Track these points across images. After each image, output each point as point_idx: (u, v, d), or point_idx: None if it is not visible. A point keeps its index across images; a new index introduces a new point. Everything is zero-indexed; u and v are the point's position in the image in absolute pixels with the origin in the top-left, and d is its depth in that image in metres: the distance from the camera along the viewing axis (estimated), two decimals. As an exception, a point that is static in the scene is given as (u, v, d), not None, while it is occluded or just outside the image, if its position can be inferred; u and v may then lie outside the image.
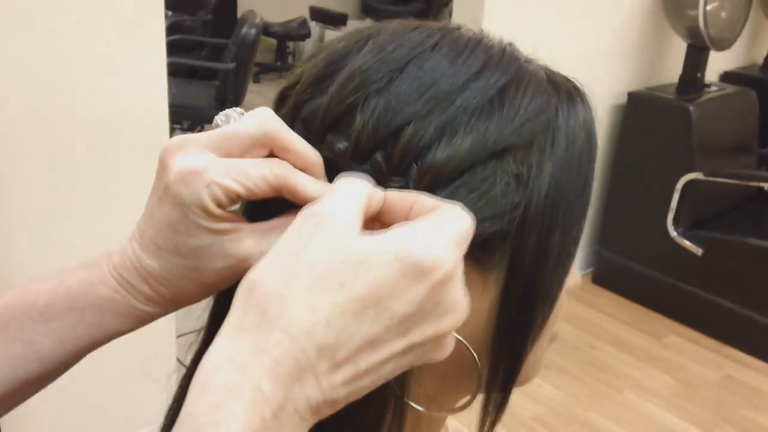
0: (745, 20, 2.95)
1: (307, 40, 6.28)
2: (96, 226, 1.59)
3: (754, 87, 3.11)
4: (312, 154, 0.42)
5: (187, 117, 3.59)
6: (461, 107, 0.41)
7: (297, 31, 6.15)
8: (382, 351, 0.35)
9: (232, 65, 3.44)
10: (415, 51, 0.43)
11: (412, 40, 0.44)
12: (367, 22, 6.57)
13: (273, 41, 6.10)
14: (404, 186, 0.41)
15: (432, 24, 0.47)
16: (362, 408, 0.39)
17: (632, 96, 2.90)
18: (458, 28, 0.47)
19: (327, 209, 0.36)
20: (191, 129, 3.66)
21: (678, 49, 2.97)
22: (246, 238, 0.41)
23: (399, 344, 0.35)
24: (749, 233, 2.78)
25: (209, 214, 0.40)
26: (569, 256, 0.45)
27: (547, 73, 0.47)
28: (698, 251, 2.76)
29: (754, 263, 2.72)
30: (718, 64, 3.22)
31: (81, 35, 1.43)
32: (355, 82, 0.42)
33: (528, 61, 0.46)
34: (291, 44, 6.34)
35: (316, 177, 0.42)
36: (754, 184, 2.75)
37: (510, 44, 0.47)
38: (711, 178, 2.70)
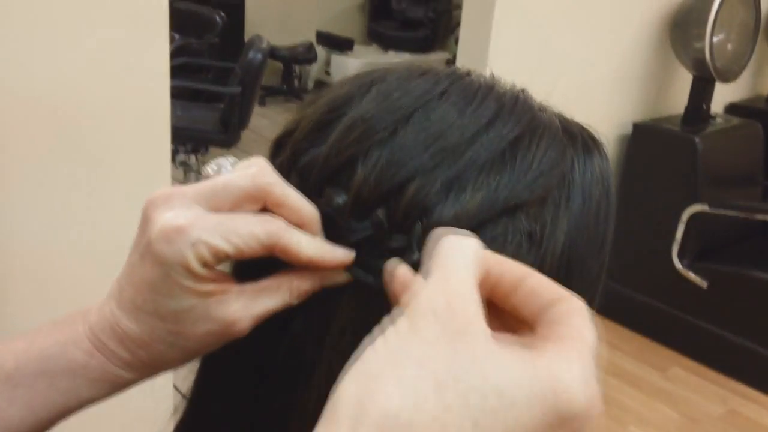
0: (752, 52, 2.95)
1: (314, 64, 6.31)
2: (92, 243, 1.57)
3: (760, 119, 3.09)
4: (308, 210, 0.39)
5: (191, 139, 3.59)
6: (470, 161, 0.39)
7: (303, 56, 6.17)
8: None
9: (237, 89, 3.44)
10: (421, 99, 0.41)
11: (418, 88, 0.41)
12: (373, 48, 6.61)
13: (279, 64, 6.13)
14: (407, 245, 0.38)
15: (440, 70, 0.44)
16: None
17: (637, 127, 2.89)
18: (468, 74, 0.44)
19: (447, 303, 0.30)
20: (195, 152, 3.66)
21: (684, 80, 2.96)
22: (233, 301, 0.39)
23: None
24: (754, 266, 2.75)
25: (193, 274, 0.37)
26: None
27: (562, 122, 0.44)
28: (703, 284, 2.73)
29: (759, 296, 2.69)
30: (723, 95, 3.21)
31: (84, 52, 1.43)
32: (357, 132, 0.40)
33: (542, 109, 0.44)
34: (297, 68, 6.37)
35: (313, 233, 0.39)
36: (760, 217, 2.73)
37: (523, 91, 0.45)
38: (717, 211, 2.68)
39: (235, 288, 0.39)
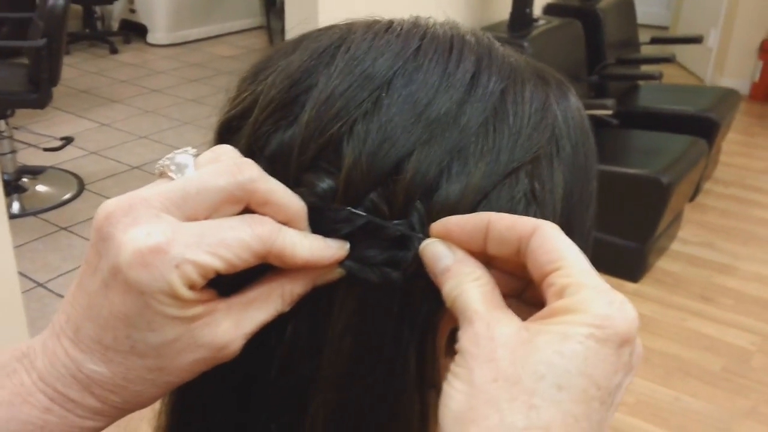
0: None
1: (116, 2, 5.85)
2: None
3: (576, 16, 3.23)
4: (295, 203, 0.34)
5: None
6: (467, 126, 0.35)
7: (103, -5, 5.71)
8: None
9: (42, 41, 3.11)
10: (398, 61, 0.36)
11: (390, 48, 0.37)
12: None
13: (78, 7, 5.62)
14: (408, 231, 0.34)
15: (401, 21, 0.39)
16: None
17: (469, 37, 2.92)
18: (430, 24, 0.40)
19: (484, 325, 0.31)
20: (2, 117, 3.30)
21: (506, -14, 3.02)
22: (223, 320, 0.33)
23: (611, 416, 0.31)
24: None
25: (179, 300, 0.31)
26: None
27: (529, 64, 0.41)
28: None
29: (599, 188, 2.87)
30: (541, -3, 3.31)
31: None
32: (336, 107, 0.35)
33: (507, 53, 0.40)
34: (98, 9, 5.89)
35: (301, 230, 0.34)
36: (591, 112, 2.88)
37: (486, 35, 0.41)
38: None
39: (221, 305, 0.33)
